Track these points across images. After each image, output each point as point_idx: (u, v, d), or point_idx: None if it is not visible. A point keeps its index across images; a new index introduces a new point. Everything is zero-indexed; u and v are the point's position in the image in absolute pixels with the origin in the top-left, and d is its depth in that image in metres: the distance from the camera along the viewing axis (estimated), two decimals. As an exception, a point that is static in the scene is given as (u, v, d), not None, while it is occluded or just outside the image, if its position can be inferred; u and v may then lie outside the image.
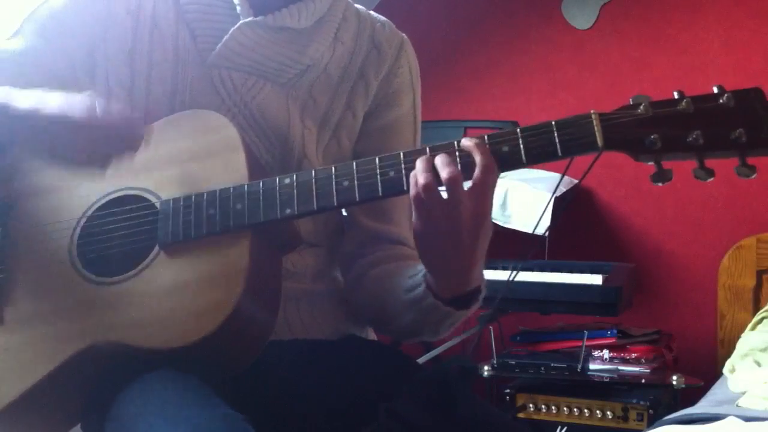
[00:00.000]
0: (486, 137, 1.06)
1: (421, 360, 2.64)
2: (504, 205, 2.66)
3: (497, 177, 1.05)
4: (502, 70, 3.21)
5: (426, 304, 1.15)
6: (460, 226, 1.06)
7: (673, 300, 2.99)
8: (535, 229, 2.40)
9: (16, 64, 1.22)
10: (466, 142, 1.05)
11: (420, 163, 1.05)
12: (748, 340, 2.26)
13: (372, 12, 1.37)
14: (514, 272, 2.34)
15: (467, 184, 1.05)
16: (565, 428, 2.43)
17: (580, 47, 3.10)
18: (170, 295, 1.06)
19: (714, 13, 2.93)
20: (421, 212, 1.06)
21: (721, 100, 0.99)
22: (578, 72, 3.11)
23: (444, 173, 1.03)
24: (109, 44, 1.24)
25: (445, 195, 1.05)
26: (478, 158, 1.04)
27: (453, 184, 1.03)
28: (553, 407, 2.48)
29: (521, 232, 2.63)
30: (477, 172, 1.04)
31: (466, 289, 1.13)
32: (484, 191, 1.05)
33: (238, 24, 1.23)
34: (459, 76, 3.26)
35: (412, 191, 1.05)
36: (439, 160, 1.04)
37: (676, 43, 2.98)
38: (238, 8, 1.24)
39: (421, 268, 1.17)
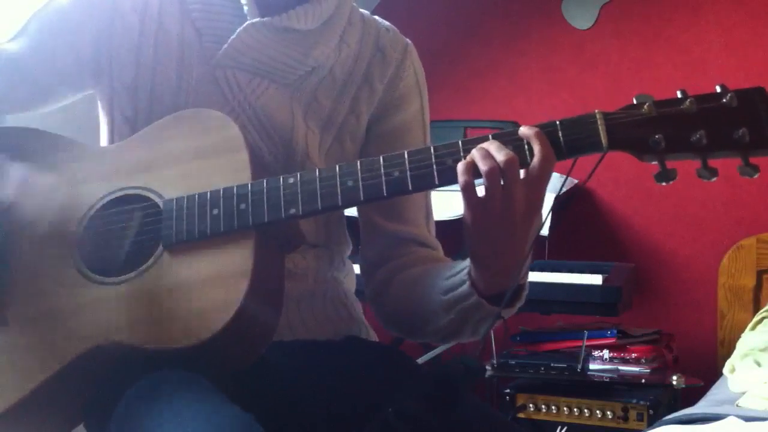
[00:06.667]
0: (490, 137, 1.06)
1: (421, 360, 2.64)
2: (504, 205, 2.65)
3: (553, 168, 1.05)
4: (502, 70, 3.20)
5: (469, 303, 1.14)
6: (515, 216, 1.05)
7: (673, 300, 2.99)
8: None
9: (6, 70, 1.21)
10: (525, 131, 1.05)
11: (477, 151, 1.04)
12: (748, 340, 2.26)
13: (376, 17, 1.37)
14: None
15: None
16: (565, 428, 2.43)
17: (580, 47, 3.10)
18: (174, 295, 1.06)
19: (714, 13, 2.93)
20: (474, 201, 1.06)
21: (724, 100, 0.99)
22: (578, 72, 3.10)
23: (500, 156, 1.03)
24: (115, 42, 1.24)
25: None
26: (537, 147, 1.04)
27: (510, 169, 1.03)
28: (553, 407, 2.48)
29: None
30: (535, 161, 1.04)
31: (513, 285, 1.12)
32: (541, 181, 1.05)
33: (244, 24, 1.22)
34: (459, 76, 3.25)
35: (462, 180, 1.04)
36: (494, 146, 1.04)
37: (676, 43, 2.98)
38: (245, 8, 1.24)
39: (461, 268, 1.16)
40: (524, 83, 3.18)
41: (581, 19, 3.10)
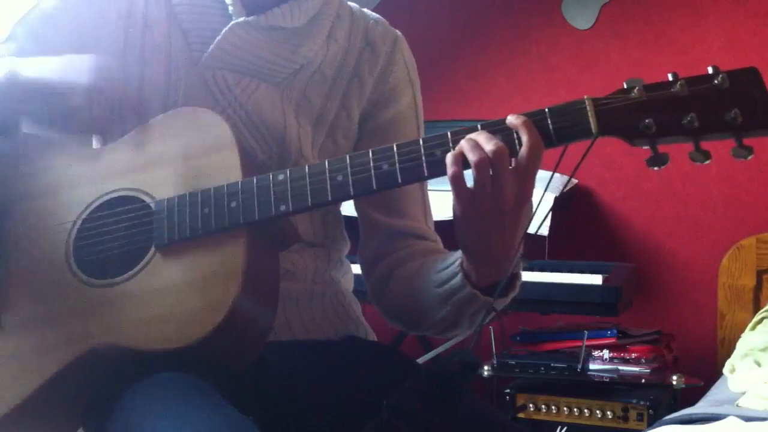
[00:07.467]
0: (479, 125, 1.05)
1: (420, 360, 2.63)
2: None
3: (541, 157, 1.04)
4: (502, 70, 3.20)
5: (463, 295, 1.14)
6: (505, 206, 1.05)
7: (673, 300, 2.99)
8: (538, 229, 2.39)
9: None
10: (513, 120, 1.04)
11: (466, 142, 1.03)
12: (748, 340, 2.26)
13: (365, 10, 1.37)
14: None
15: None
16: (565, 428, 2.43)
17: (580, 47, 3.10)
18: (167, 295, 1.06)
19: (714, 13, 2.93)
20: (463, 193, 1.05)
21: (715, 81, 0.98)
22: (578, 72, 3.10)
23: (489, 146, 1.02)
24: (101, 46, 1.23)
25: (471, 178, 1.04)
26: (525, 137, 1.03)
27: (499, 159, 1.02)
28: (553, 407, 2.47)
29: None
30: (523, 150, 1.03)
31: (505, 276, 1.11)
32: (530, 170, 1.04)
33: (230, 25, 1.22)
34: (458, 76, 3.25)
35: (451, 171, 1.03)
36: (482, 137, 1.03)
37: (676, 43, 2.98)
38: (231, 8, 1.23)
39: (453, 260, 1.16)
40: (524, 83, 3.18)
41: (581, 19, 3.10)
